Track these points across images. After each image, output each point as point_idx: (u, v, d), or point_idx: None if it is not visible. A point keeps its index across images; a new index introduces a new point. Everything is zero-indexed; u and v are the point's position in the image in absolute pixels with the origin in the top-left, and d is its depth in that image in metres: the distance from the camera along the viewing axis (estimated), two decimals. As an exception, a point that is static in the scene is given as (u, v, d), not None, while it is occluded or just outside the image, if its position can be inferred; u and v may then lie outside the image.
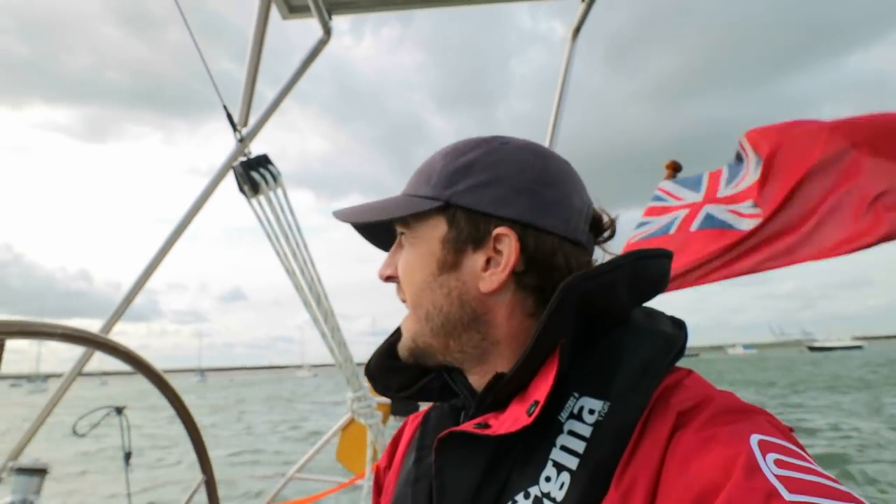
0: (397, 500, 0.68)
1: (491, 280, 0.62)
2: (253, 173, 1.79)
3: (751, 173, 1.99)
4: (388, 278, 0.70)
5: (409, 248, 0.67)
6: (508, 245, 0.61)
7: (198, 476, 1.15)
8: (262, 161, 1.87)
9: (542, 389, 0.54)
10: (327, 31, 2.36)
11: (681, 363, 0.59)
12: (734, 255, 1.80)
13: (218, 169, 2.22)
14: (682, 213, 2.11)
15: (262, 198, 1.83)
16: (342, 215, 0.71)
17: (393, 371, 0.73)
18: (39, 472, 1.85)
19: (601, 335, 0.59)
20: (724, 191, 2.09)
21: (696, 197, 2.17)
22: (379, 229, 0.74)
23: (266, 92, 2.52)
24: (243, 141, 2.08)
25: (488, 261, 0.62)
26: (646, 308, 0.64)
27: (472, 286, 0.62)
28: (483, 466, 0.57)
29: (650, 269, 0.61)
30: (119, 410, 2.30)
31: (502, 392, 0.60)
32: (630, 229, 2.32)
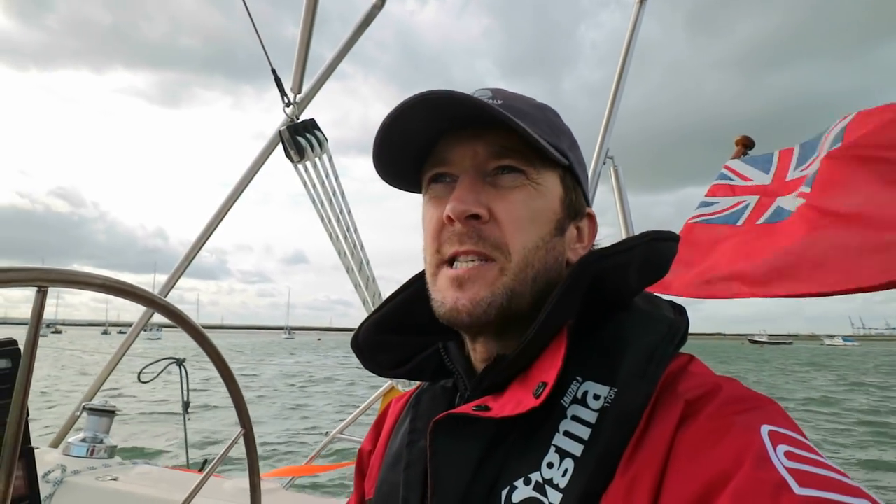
0: (383, 485, 0.66)
1: (578, 253, 0.63)
2: (299, 138, 1.81)
3: (823, 151, 1.76)
4: (471, 219, 0.57)
5: (532, 194, 0.58)
6: (588, 225, 0.66)
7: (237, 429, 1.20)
8: (309, 126, 1.87)
9: (549, 371, 0.52)
10: (381, -1, 2.31)
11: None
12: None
13: (271, 135, 2.26)
14: (752, 201, 1.92)
15: (307, 163, 1.85)
16: (446, 98, 0.54)
17: (384, 347, 0.70)
18: (109, 412, 2.02)
19: (604, 319, 0.56)
20: (792, 173, 1.88)
21: (765, 179, 1.97)
22: (407, 149, 0.61)
23: (329, 57, 2.50)
24: (293, 107, 2.09)
25: (578, 233, 0.65)
26: (645, 293, 0.61)
27: (566, 255, 0.62)
28: (480, 451, 0.54)
29: (661, 252, 0.58)
30: (179, 362, 2.46)
31: (501, 374, 0.57)
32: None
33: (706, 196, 2.11)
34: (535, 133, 0.55)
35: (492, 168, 0.59)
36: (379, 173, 0.65)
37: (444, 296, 0.59)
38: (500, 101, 0.59)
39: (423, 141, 0.61)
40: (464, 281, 0.57)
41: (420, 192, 0.67)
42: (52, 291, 0.67)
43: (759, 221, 1.80)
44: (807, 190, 1.65)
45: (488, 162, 0.59)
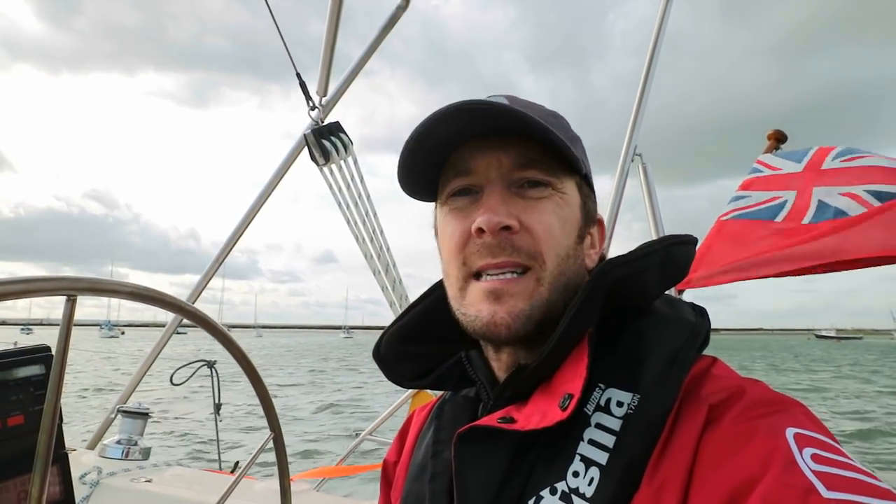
0: (409, 496, 0.65)
1: (593, 259, 0.64)
2: (324, 142, 1.81)
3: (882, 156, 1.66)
4: (504, 230, 0.55)
5: (560, 204, 0.58)
6: (598, 230, 0.67)
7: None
8: (334, 129, 1.88)
9: (573, 382, 0.51)
10: (406, -1, 2.31)
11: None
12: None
13: (297, 139, 2.28)
14: (791, 196, 1.83)
15: (333, 166, 1.85)
16: (487, 109, 0.54)
17: (407, 358, 0.69)
18: (143, 415, 2.06)
19: (624, 324, 0.56)
20: (830, 163, 1.79)
21: (796, 168, 1.88)
22: (432, 160, 0.60)
23: (354, 55, 2.49)
24: (318, 110, 2.10)
25: (590, 240, 0.65)
26: (666, 296, 0.60)
27: (585, 261, 0.62)
28: (506, 462, 0.54)
29: (679, 256, 0.58)
30: (210, 364, 2.50)
31: (524, 384, 0.57)
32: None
33: (738, 190, 2.04)
34: (561, 143, 0.56)
35: (517, 178, 0.58)
36: (403, 186, 0.64)
37: (478, 309, 0.57)
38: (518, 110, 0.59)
39: (448, 151, 0.60)
40: (501, 294, 0.55)
41: (430, 200, 0.66)
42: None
43: (805, 221, 1.71)
44: (876, 203, 1.56)
45: (513, 172, 0.58)
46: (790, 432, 0.43)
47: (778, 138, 2.10)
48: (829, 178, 1.76)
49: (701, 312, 0.58)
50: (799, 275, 1.54)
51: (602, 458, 0.48)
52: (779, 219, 1.80)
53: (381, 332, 0.72)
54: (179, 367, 2.34)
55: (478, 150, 0.58)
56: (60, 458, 0.90)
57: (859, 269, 1.49)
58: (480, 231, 0.55)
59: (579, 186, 0.62)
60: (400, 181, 0.63)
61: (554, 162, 0.57)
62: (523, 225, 0.56)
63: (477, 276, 0.58)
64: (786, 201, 1.83)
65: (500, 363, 0.63)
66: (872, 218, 1.49)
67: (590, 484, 0.48)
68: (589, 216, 0.63)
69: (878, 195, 1.59)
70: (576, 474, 0.49)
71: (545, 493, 0.50)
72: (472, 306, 0.58)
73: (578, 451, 0.50)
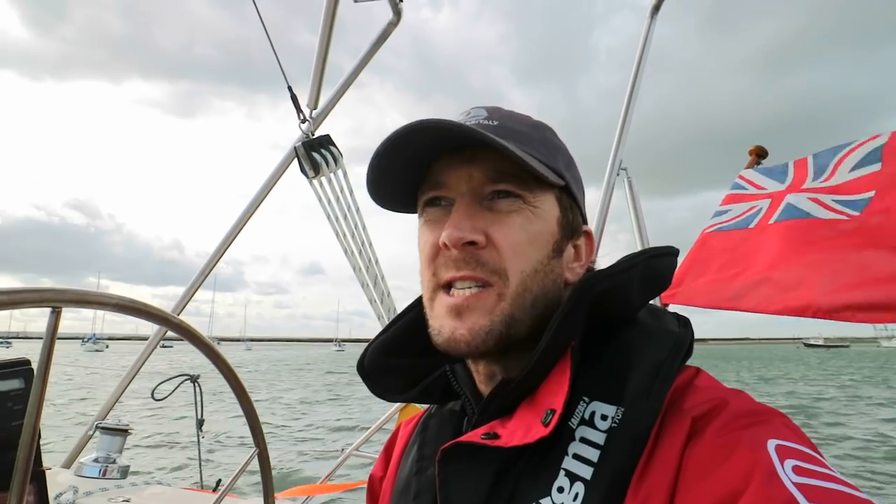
0: None
1: (576, 273, 0.63)
2: (314, 154, 1.81)
3: (847, 161, 1.72)
4: (468, 245, 0.56)
5: (529, 218, 0.58)
6: (586, 243, 0.65)
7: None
8: (324, 142, 1.88)
9: (556, 396, 0.51)
10: (397, 13, 2.34)
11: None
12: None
13: (287, 151, 2.27)
14: (765, 203, 1.89)
15: (322, 178, 1.85)
16: (459, 129, 0.53)
17: (391, 371, 0.69)
18: (122, 431, 2.00)
19: (608, 336, 0.56)
20: (810, 183, 1.85)
21: (780, 187, 1.94)
22: (405, 172, 0.61)
23: (345, 68, 2.50)
24: (309, 123, 2.10)
25: (575, 253, 0.64)
26: (650, 306, 0.61)
27: (563, 275, 0.61)
28: (490, 478, 0.54)
29: (661, 267, 0.59)
30: (193, 379, 2.44)
31: (508, 398, 0.56)
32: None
33: (721, 205, 2.09)
34: (530, 156, 0.56)
35: (488, 192, 0.58)
36: (374, 200, 0.65)
37: (441, 324, 0.58)
38: (495, 122, 0.60)
39: (416, 168, 0.61)
40: (462, 310, 0.56)
41: (414, 212, 0.67)
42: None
43: (771, 221, 1.77)
44: (855, 213, 1.61)
45: (484, 186, 0.58)
46: (772, 444, 0.43)
47: (759, 154, 2.15)
48: (808, 191, 1.81)
49: (684, 323, 0.58)
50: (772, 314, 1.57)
51: (587, 472, 0.48)
52: (752, 225, 1.86)
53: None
54: (161, 382, 2.29)
55: (449, 164, 0.59)
56: (37, 476, 0.87)
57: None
58: (446, 245, 0.56)
59: (559, 199, 0.61)
60: (368, 191, 0.64)
61: (529, 175, 0.57)
62: (490, 239, 0.56)
63: (447, 287, 0.58)
64: (760, 209, 1.89)
65: (479, 375, 0.63)
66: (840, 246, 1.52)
67: (574, 499, 0.48)
68: (570, 229, 0.62)
69: (844, 203, 1.64)
70: (560, 490, 0.49)
71: None
72: (437, 320, 0.59)
73: (563, 466, 0.50)
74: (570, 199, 0.63)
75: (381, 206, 0.66)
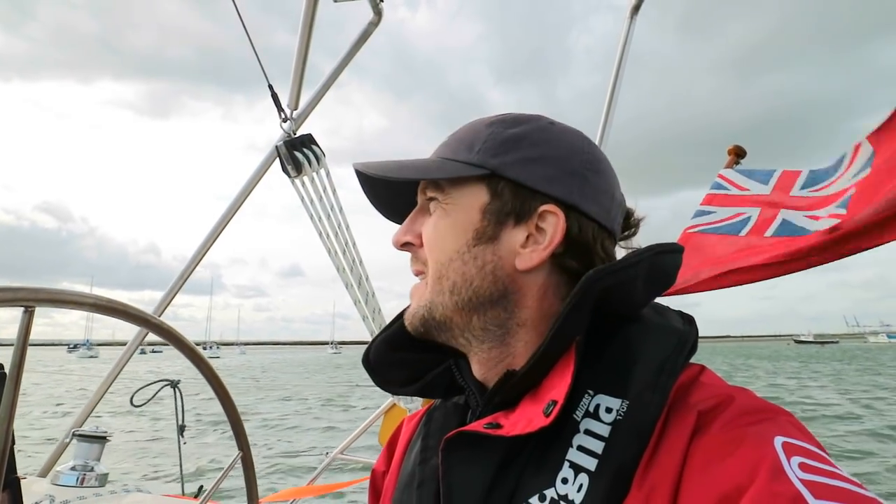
0: None
1: (530, 257, 0.59)
2: (296, 153, 1.80)
3: (845, 177, 1.75)
4: (406, 245, 0.67)
5: (441, 214, 0.63)
6: (553, 224, 0.59)
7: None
8: (306, 141, 1.87)
9: (558, 388, 0.52)
10: (378, 13, 2.33)
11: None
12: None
13: (269, 151, 2.25)
14: (755, 212, 1.91)
15: (305, 178, 1.84)
16: (367, 167, 0.65)
17: (396, 364, 0.70)
18: (100, 439, 1.95)
19: (613, 331, 0.56)
20: (798, 192, 1.87)
21: (763, 190, 1.97)
22: (392, 193, 0.70)
23: (324, 67, 2.49)
24: (290, 122, 2.08)
25: (528, 238, 0.60)
26: (654, 303, 0.61)
27: (507, 262, 0.60)
28: (494, 468, 0.54)
29: (667, 264, 0.58)
30: (174, 384, 2.40)
31: (513, 390, 0.57)
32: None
33: (702, 205, 2.11)
34: (443, 159, 0.63)
35: (424, 200, 0.67)
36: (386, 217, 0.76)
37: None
38: (445, 141, 0.68)
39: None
40: (410, 298, 0.67)
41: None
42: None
43: (768, 234, 1.78)
44: (842, 211, 1.63)
45: (422, 196, 0.67)
46: (778, 441, 0.43)
47: (738, 153, 2.18)
48: (796, 203, 1.83)
49: (689, 320, 0.59)
50: (764, 279, 1.59)
51: (591, 464, 0.49)
52: (742, 233, 1.87)
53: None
54: (140, 388, 2.24)
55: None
56: (11, 484, 0.84)
57: (812, 269, 1.55)
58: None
59: (488, 186, 0.61)
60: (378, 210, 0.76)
61: (447, 178, 0.63)
62: (421, 238, 0.65)
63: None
64: (749, 217, 1.91)
65: (480, 365, 0.64)
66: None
67: (579, 490, 0.48)
68: (504, 213, 0.60)
69: (836, 206, 1.66)
70: (565, 481, 0.50)
71: (534, 499, 0.51)
72: None
73: (567, 458, 0.50)
74: (511, 184, 0.60)
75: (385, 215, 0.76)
